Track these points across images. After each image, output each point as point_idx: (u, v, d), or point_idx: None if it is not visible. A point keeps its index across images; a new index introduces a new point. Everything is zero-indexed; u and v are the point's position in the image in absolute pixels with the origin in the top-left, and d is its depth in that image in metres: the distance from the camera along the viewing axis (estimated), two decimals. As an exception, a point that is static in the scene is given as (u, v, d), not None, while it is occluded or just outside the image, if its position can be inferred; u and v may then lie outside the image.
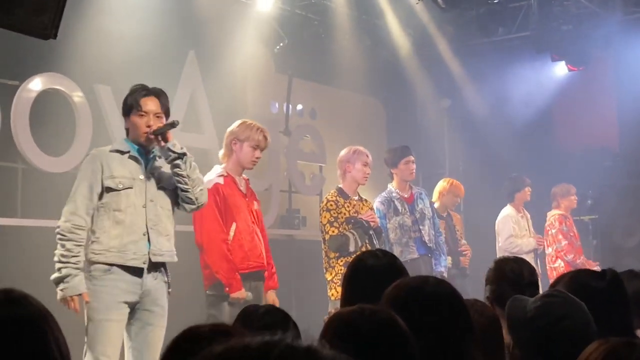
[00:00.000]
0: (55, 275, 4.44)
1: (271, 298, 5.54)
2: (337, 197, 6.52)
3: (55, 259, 4.47)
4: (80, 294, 4.41)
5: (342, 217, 6.42)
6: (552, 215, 8.85)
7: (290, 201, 9.34)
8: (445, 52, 10.40)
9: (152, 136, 4.62)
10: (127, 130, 4.73)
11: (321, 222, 6.47)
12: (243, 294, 5.29)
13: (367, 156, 6.64)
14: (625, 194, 9.53)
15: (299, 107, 9.86)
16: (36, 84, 6.69)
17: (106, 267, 4.49)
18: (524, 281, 3.45)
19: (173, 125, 4.66)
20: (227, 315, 5.19)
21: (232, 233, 5.41)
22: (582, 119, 10.74)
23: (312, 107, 10.00)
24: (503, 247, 8.35)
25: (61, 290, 4.40)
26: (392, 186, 7.26)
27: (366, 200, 6.73)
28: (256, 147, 5.60)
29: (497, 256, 7.73)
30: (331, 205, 6.45)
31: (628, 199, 9.52)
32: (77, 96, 6.93)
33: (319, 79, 9.81)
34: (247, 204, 5.57)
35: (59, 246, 4.48)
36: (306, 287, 8.21)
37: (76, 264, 4.43)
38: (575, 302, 2.58)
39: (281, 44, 8.91)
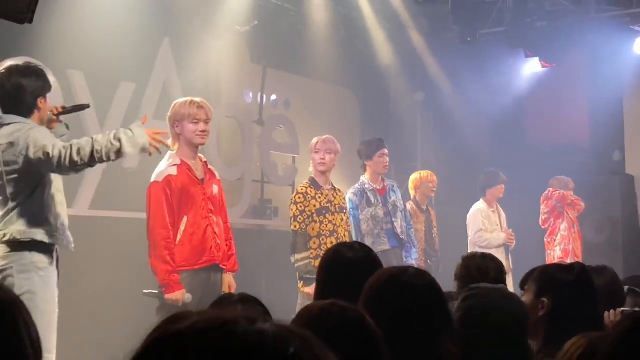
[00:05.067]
0: (115, 148, 4.27)
1: (227, 281, 5.32)
2: (308, 189, 6.52)
3: (98, 151, 4.24)
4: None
5: (310, 210, 6.42)
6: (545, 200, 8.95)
7: (263, 191, 9.33)
8: (420, 46, 10.42)
9: (56, 117, 4.60)
10: (33, 109, 4.48)
11: (289, 214, 6.52)
12: (179, 295, 4.98)
13: (316, 143, 6.63)
14: (595, 190, 9.61)
15: (273, 97, 9.84)
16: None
17: (49, 259, 4.38)
18: (490, 278, 3.48)
19: (83, 107, 4.80)
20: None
21: (182, 227, 5.12)
22: (554, 115, 10.83)
23: (286, 97, 9.98)
24: (472, 240, 8.40)
25: (133, 147, 4.32)
26: (364, 178, 7.29)
27: (339, 190, 6.75)
28: (197, 121, 5.22)
29: (468, 250, 7.86)
30: (299, 198, 6.47)
31: (597, 195, 9.61)
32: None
33: (293, 69, 9.79)
34: (204, 192, 5.26)
35: (87, 151, 4.22)
36: (277, 277, 8.20)
37: (105, 142, 4.28)
38: (494, 292, 2.60)
39: (247, 28, 8.83)
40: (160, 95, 7.82)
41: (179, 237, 5.13)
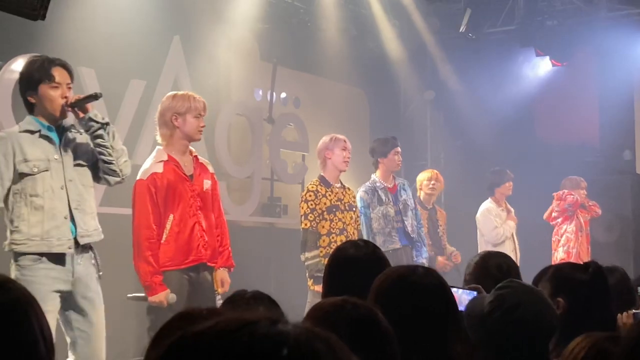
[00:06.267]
0: None
1: (219, 277, 5.20)
2: (318, 187, 6.51)
3: None
4: None
5: (321, 207, 6.41)
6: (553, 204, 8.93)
7: (272, 189, 9.33)
8: (431, 44, 10.41)
9: (70, 108, 4.36)
10: (32, 105, 4.38)
11: (300, 212, 6.51)
12: (162, 297, 4.85)
13: (345, 141, 6.62)
14: (605, 190, 9.59)
15: (283, 95, 9.85)
16: (19, 65, 6.62)
17: (35, 256, 4.24)
18: (511, 277, 3.45)
19: (96, 97, 4.41)
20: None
21: (168, 226, 4.98)
22: (564, 114, 10.80)
23: (296, 95, 9.98)
24: (490, 240, 8.30)
25: None
26: (375, 176, 7.29)
27: (349, 188, 6.74)
28: (199, 116, 5.10)
29: (479, 250, 7.84)
30: (310, 196, 6.45)
31: (608, 194, 9.58)
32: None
33: (303, 67, 9.79)
34: (192, 188, 5.08)
35: None
36: (286, 275, 8.22)
37: None
38: (530, 290, 2.58)
39: (268, 25, 8.89)
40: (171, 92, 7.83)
41: (164, 236, 4.99)
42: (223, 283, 5.21)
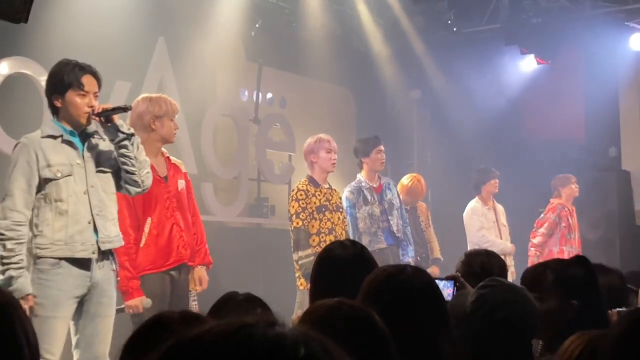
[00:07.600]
0: (0, 278, 4.12)
1: (196, 275, 5.19)
2: (308, 186, 6.51)
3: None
4: (27, 295, 4.09)
5: (311, 207, 6.41)
6: (550, 204, 8.84)
7: (259, 190, 9.32)
8: (416, 43, 10.42)
9: (97, 118, 4.32)
10: (56, 109, 4.35)
11: (289, 211, 6.48)
12: (137, 302, 4.83)
13: (329, 142, 6.61)
14: (591, 187, 9.62)
15: (269, 95, 9.84)
16: (3, 68, 6.60)
17: (54, 260, 4.21)
18: (494, 276, 3.45)
19: (125, 109, 4.41)
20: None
21: (146, 229, 4.98)
22: (549, 112, 10.84)
23: (282, 95, 9.98)
24: (474, 240, 8.26)
25: (13, 288, 4.05)
26: (361, 176, 7.28)
27: (335, 190, 6.75)
28: (174, 119, 5.14)
29: (468, 249, 7.80)
30: (300, 195, 6.44)
31: (594, 191, 9.61)
32: (45, 81, 6.84)
33: (289, 67, 9.78)
34: (167, 190, 5.09)
35: None
36: (274, 276, 8.20)
37: (18, 263, 4.12)
38: (512, 289, 2.58)
39: (257, 25, 8.86)
40: (156, 93, 7.80)
41: (144, 239, 4.98)
42: (201, 281, 5.21)
